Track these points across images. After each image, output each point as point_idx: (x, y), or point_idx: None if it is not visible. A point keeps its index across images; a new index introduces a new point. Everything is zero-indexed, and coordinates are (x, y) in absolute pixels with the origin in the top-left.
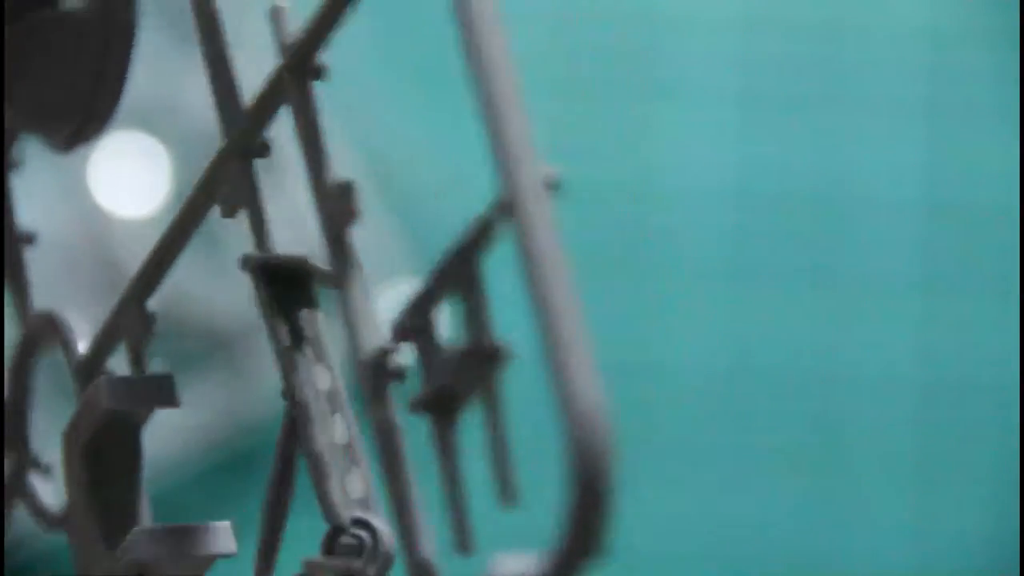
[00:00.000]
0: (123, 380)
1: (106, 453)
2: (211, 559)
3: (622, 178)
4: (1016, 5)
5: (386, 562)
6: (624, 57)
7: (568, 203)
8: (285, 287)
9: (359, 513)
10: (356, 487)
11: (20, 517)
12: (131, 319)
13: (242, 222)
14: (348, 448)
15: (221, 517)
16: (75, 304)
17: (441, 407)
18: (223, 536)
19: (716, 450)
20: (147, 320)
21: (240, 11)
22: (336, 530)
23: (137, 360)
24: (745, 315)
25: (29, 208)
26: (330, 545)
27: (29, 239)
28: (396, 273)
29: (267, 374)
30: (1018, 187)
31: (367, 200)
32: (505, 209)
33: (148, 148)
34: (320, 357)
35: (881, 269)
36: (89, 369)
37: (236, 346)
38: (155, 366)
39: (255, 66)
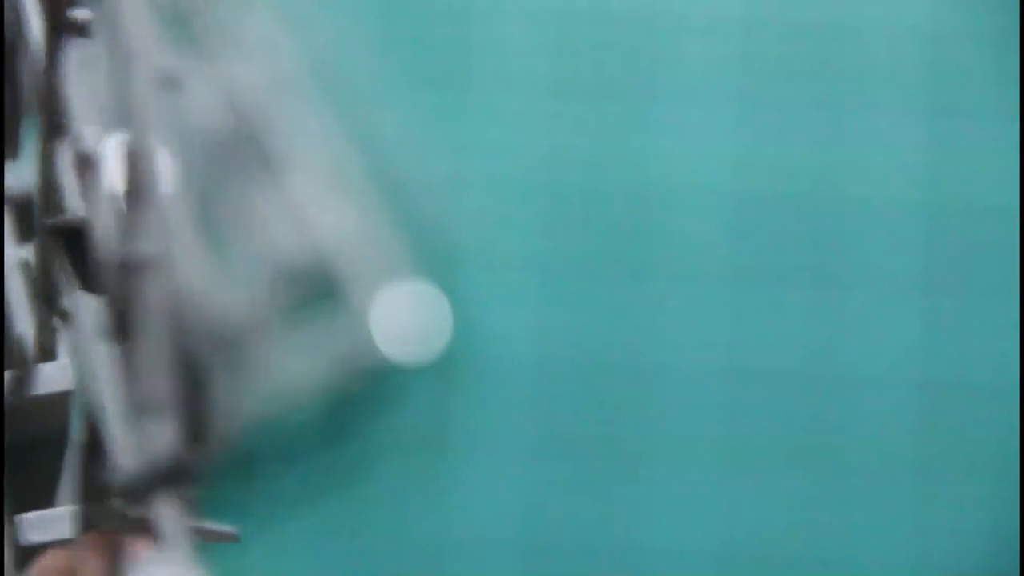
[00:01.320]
0: None
1: None
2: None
3: (621, 178)
4: (1016, 5)
5: None
6: (624, 57)
7: (567, 203)
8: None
9: None
10: None
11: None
12: None
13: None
14: None
15: (221, 518)
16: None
17: None
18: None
19: (714, 449)
20: None
21: (243, 13)
22: None
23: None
24: (745, 315)
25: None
26: None
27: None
28: (396, 273)
29: (266, 374)
30: (1018, 187)
31: (367, 200)
32: None
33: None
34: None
35: (881, 269)
36: None
37: (236, 346)
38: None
39: (255, 67)
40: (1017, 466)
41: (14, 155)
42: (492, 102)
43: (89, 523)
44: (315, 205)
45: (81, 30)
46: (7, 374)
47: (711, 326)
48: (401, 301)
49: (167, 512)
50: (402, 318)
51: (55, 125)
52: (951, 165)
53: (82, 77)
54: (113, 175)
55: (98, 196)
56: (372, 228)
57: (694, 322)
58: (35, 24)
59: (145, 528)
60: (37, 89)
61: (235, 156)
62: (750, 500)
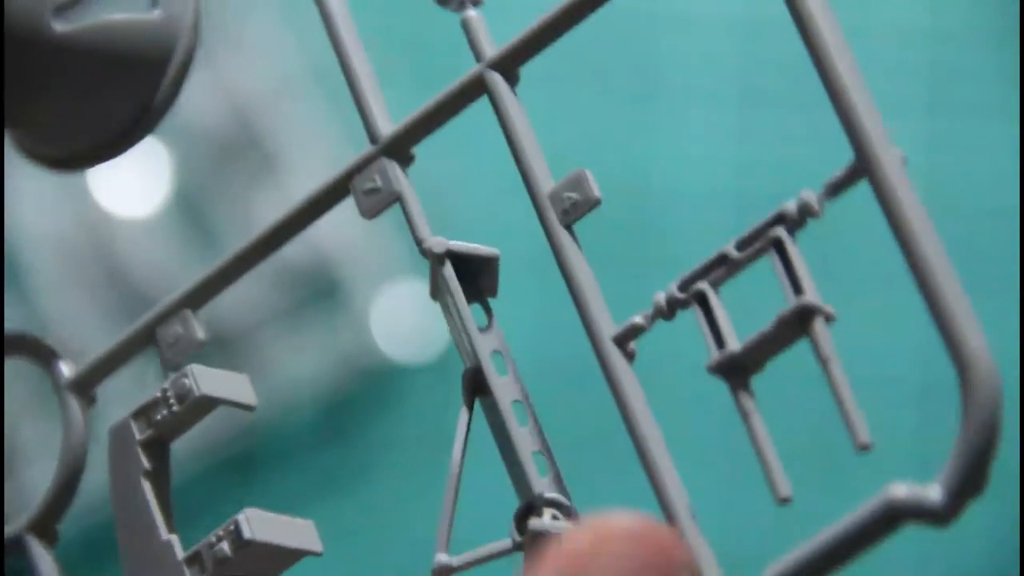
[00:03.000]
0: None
1: None
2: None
3: (621, 178)
4: (1016, 5)
5: None
6: (624, 57)
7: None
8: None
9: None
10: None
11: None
12: (178, 325)
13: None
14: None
15: (221, 517)
16: (73, 305)
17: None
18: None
19: (716, 445)
20: (194, 330)
21: (243, 13)
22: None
23: (173, 367)
24: (745, 315)
25: (28, 208)
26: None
27: None
28: (396, 273)
29: (267, 374)
30: (1018, 187)
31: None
32: (861, 173)
33: (148, 148)
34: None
35: (880, 267)
36: (84, 387)
37: (236, 346)
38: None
39: (257, 68)
40: (1017, 466)
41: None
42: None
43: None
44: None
45: None
46: None
47: None
48: (401, 301)
49: None
50: (402, 318)
51: None
52: (951, 165)
53: None
54: None
55: None
56: (372, 228)
57: (694, 322)
58: None
59: None
60: None
61: (235, 156)
62: (749, 500)
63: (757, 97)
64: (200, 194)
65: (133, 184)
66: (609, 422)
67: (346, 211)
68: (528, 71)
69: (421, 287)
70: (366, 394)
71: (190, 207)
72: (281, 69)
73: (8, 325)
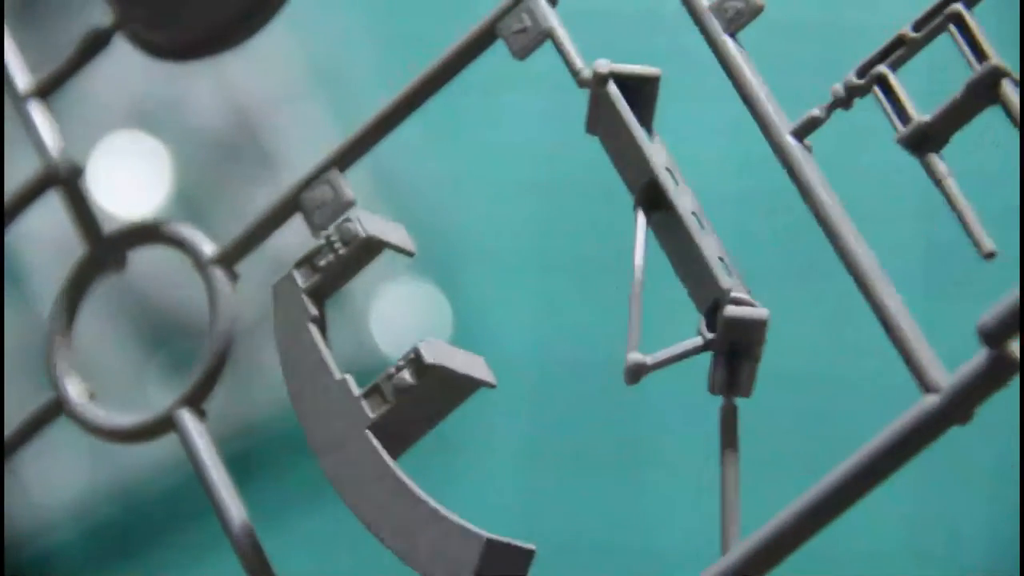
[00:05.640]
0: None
1: None
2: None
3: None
4: (1016, 5)
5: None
6: (623, 57)
7: (566, 203)
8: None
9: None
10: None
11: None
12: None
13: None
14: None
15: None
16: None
17: None
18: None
19: (714, 448)
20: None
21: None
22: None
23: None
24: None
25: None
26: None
27: None
28: (396, 273)
29: (266, 374)
30: (1018, 187)
31: (367, 200)
32: None
33: (148, 148)
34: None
35: (880, 267)
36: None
37: (235, 346)
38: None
39: (258, 69)
40: (1017, 466)
41: None
42: (493, 103)
43: None
44: None
45: None
46: None
47: None
48: (401, 301)
49: None
50: (402, 318)
51: None
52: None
53: None
54: None
55: None
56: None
57: (694, 321)
58: None
59: None
60: None
61: (235, 156)
62: (748, 499)
63: None
64: (200, 194)
65: (133, 184)
66: (610, 423)
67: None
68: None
69: (421, 287)
70: None
71: (190, 207)
72: (282, 70)
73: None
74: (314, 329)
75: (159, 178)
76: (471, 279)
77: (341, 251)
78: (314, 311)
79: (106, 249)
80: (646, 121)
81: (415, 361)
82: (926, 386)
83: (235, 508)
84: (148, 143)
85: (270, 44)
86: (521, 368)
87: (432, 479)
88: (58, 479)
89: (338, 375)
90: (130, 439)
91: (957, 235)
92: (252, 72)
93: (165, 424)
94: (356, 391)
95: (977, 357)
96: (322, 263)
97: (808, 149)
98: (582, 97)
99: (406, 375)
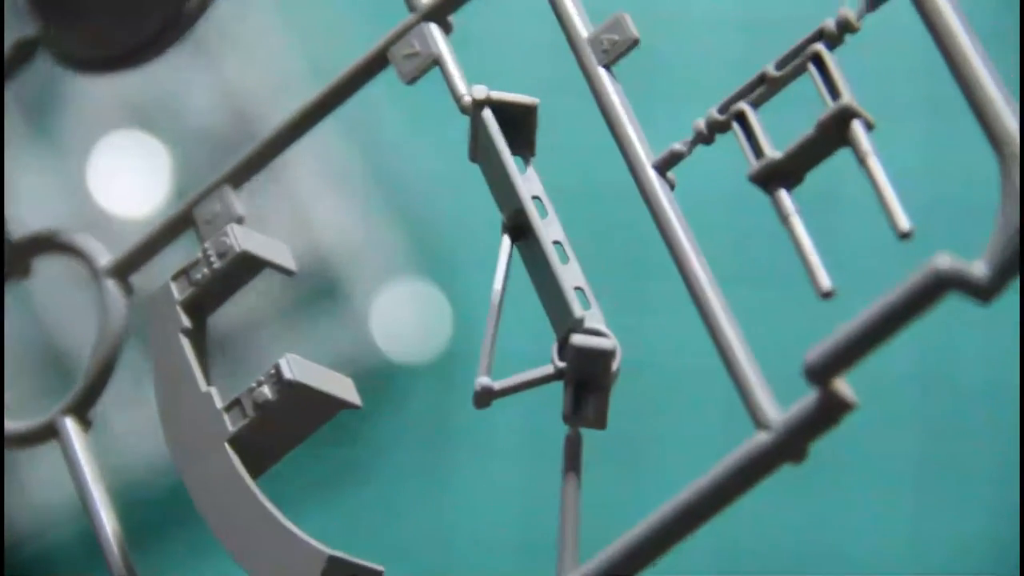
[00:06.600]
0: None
1: None
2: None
3: (621, 178)
4: (1016, 5)
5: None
6: (623, 57)
7: (567, 203)
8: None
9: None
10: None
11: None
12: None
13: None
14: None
15: None
16: (79, 305)
17: None
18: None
19: (715, 449)
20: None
21: (242, 13)
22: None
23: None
24: (745, 316)
25: (28, 208)
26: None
27: None
28: (396, 273)
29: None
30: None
31: (367, 200)
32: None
33: (148, 148)
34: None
35: (880, 267)
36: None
37: (236, 346)
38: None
39: (257, 68)
40: (1017, 466)
41: None
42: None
43: None
44: (315, 205)
45: None
46: None
47: None
48: (401, 301)
49: None
50: (402, 318)
51: None
52: (951, 165)
53: None
54: None
55: None
56: (372, 228)
57: (694, 322)
58: None
59: None
60: None
61: (234, 155)
62: (750, 500)
63: None
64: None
65: (132, 183)
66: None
67: (346, 211)
68: (525, 70)
69: (421, 287)
70: (366, 394)
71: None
72: (280, 69)
73: (8, 330)
74: (184, 340)
75: (159, 177)
76: (471, 279)
77: (216, 264)
78: (187, 323)
79: (9, 257)
80: (524, 149)
81: (275, 376)
82: (758, 422)
83: (108, 517)
84: (148, 143)
85: (269, 44)
86: (521, 368)
87: (432, 477)
88: (58, 479)
89: (204, 387)
90: (12, 444)
91: (957, 235)
92: (251, 72)
93: (47, 431)
94: (219, 404)
95: (808, 396)
96: (197, 276)
97: (671, 184)
98: (588, 99)
99: (266, 390)
